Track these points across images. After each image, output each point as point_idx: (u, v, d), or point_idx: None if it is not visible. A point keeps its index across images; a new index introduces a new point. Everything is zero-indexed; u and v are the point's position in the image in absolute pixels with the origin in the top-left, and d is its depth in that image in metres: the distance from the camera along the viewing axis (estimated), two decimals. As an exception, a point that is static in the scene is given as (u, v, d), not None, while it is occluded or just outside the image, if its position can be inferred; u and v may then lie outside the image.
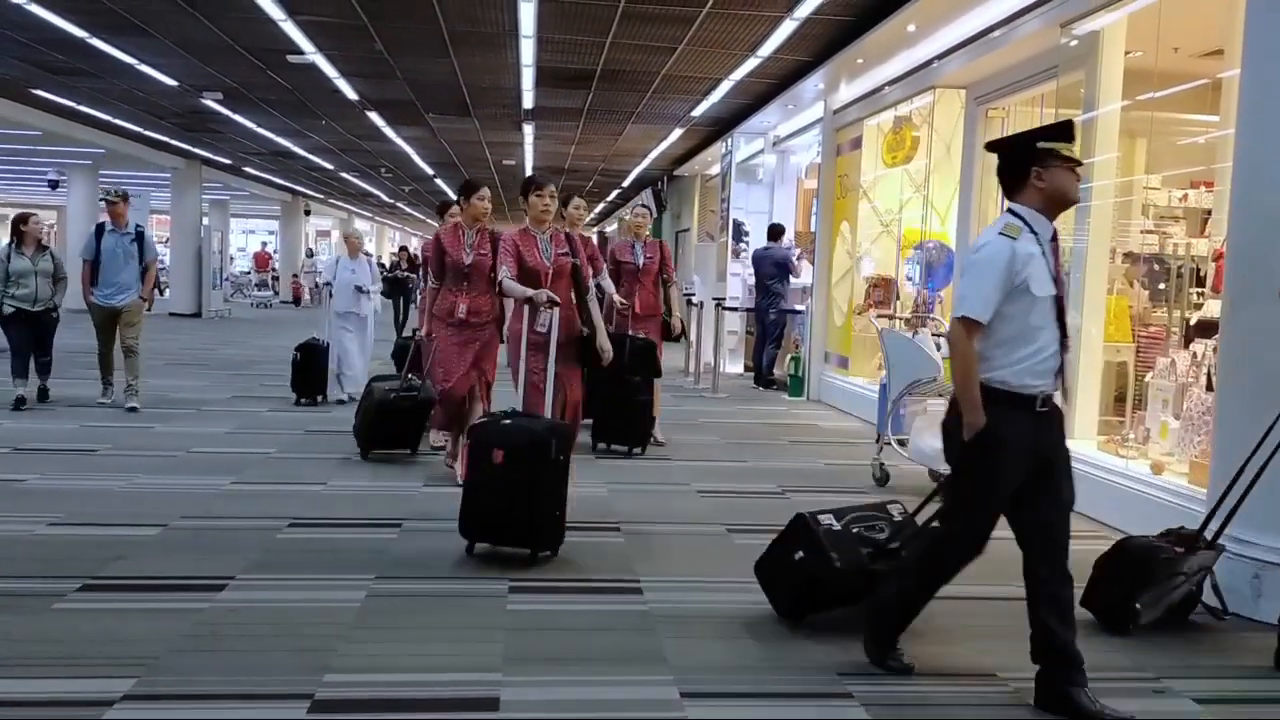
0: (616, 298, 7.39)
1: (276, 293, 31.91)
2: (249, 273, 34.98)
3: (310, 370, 9.71)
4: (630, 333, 7.83)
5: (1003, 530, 5.82)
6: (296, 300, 30.51)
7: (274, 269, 34.35)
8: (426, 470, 6.76)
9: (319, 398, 9.66)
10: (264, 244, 41.12)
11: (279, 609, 4.08)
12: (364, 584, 4.35)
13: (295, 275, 31.66)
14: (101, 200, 9.07)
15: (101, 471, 6.48)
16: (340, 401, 9.52)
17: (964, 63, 8.42)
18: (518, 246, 5.58)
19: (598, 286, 7.05)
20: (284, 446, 7.51)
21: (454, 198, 7.61)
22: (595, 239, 7.20)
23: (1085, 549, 5.47)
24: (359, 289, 9.75)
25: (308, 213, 35.37)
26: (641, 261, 8.18)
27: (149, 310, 9.31)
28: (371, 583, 4.38)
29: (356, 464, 6.96)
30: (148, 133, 19.09)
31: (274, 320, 23.85)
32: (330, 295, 9.95)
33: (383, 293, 13.72)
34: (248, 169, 25.50)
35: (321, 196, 33.90)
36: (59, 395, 9.25)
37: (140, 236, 9.04)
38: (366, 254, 10.76)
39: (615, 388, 7.40)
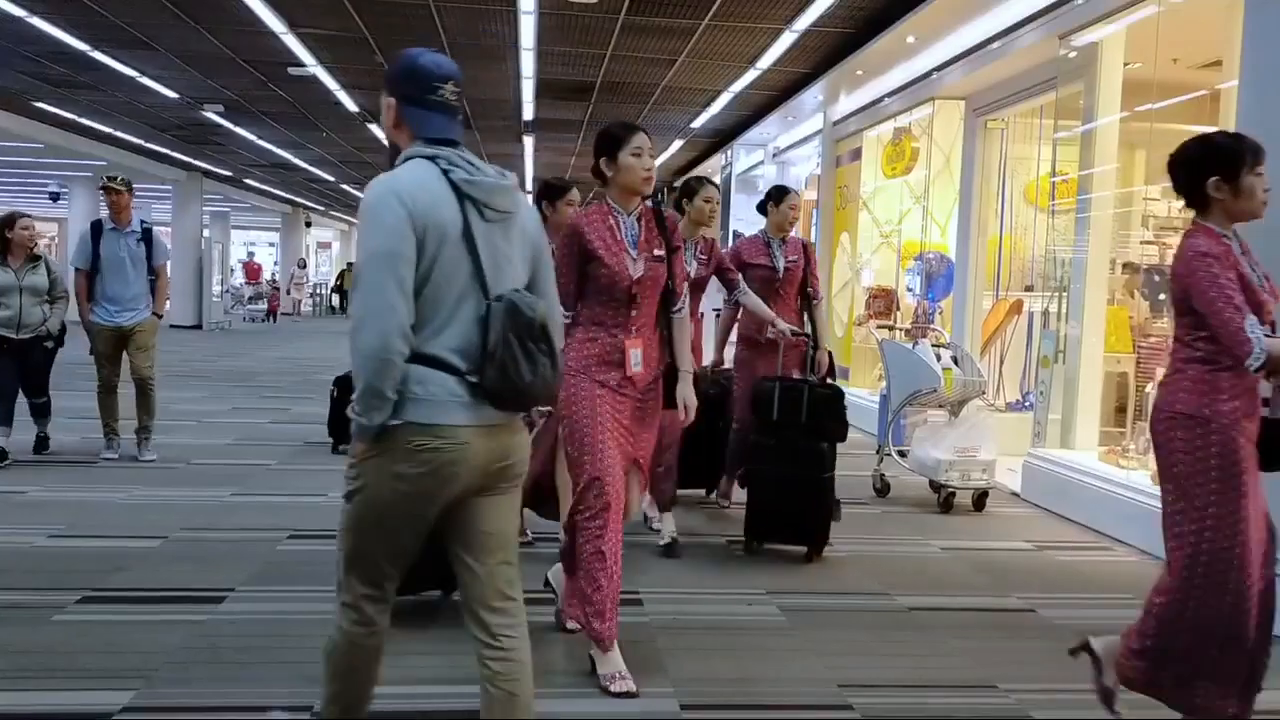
0: (780, 322, 5.58)
1: (274, 304, 31.78)
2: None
3: None
4: (791, 373, 5.65)
5: (1001, 540, 5.83)
6: (271, 314, 28.70)
7: (274, 281, 34.25)
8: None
9: None
10: (251, 254, 39.48)
11: (279, 620, 4.07)
12: (364, 595, 4.34)
13: (276, 287, 30.86)
14: (100, 188, 7.29)
15: (101, 482, 6.47)
16: None
17: (963, 74, 8.45)
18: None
19: (735, 304, 5.76)
20: (284, 458, 7.50)
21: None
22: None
23: (1085, 559, 5.48)
24: None
25: (308, 224, 35.46)
26: (782, 266, 5.94)
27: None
28: (371, 594, 4.36)
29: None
30: (149, 145, 19.15)
31: (273, 332, 23.87)
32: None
33: None
34: (249, 181, 25.58)
35: (322, 208, 34.01)
36: (56, 405, 8.76)
37: (148, 235, 7.17)
38: None
39: (788, 461, 5.09)
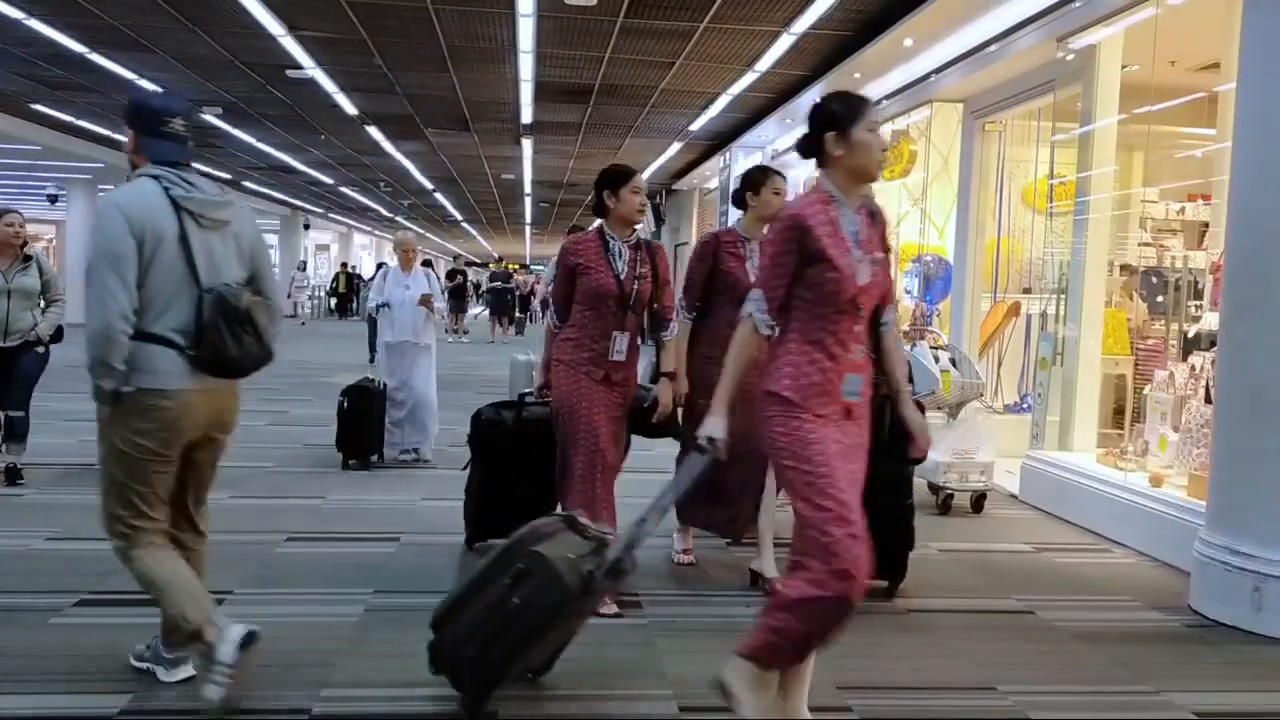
0: None
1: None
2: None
3: (364, 421, 7.09)
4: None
5: (1000, 542, 5.83)
6: None
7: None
8: (425, 483, 6.74)
9: (374, 457, 7.28)
10: None
11: (277, 624, 4.05)
12: (362, 598, 4.34)
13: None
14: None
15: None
16: (405, 462, 7.46)
17: (961, 77, 8.45)
18: None
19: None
20: (282, 461, 7.49)
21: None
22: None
23: (1083, 561, 5.48)
24: (426, 300, 7.42)
25: (307, 227, 35.47)
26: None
27: None
28: (369, 597, 4.36)
29: (355, 478, 6.93)
30: (147, 147, 19.12)
31: (273, 334, 23.83)
32: (377, 319, 7.92)
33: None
34: (247, 183, 25.56)
35: (321, 211, 34.00)
36: (53, 409, 8.53)
37: None
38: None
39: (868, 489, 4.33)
